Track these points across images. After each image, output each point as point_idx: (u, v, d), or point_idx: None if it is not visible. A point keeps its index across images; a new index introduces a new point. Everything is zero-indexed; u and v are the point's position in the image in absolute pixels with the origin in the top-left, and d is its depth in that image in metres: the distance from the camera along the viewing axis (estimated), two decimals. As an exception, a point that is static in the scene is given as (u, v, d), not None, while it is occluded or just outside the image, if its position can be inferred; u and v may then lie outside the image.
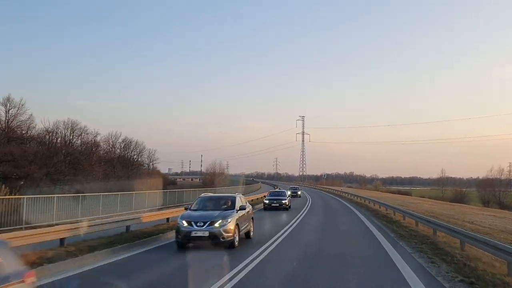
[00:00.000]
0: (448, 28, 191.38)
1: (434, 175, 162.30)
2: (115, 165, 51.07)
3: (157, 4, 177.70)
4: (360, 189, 78.58)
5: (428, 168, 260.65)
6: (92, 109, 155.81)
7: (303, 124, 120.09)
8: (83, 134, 46.11)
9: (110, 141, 54.42)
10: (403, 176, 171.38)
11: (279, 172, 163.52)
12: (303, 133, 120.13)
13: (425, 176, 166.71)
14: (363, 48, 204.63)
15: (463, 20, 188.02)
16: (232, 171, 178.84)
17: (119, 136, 55.98)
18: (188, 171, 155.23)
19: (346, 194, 50.13)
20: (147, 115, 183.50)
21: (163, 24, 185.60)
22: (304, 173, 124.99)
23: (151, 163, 64.40)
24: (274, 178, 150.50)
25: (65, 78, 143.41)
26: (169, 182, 67.93)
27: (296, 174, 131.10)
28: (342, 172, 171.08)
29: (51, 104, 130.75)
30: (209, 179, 79.08)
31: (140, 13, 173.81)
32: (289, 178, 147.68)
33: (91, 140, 47.67)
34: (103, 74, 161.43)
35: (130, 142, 58.37)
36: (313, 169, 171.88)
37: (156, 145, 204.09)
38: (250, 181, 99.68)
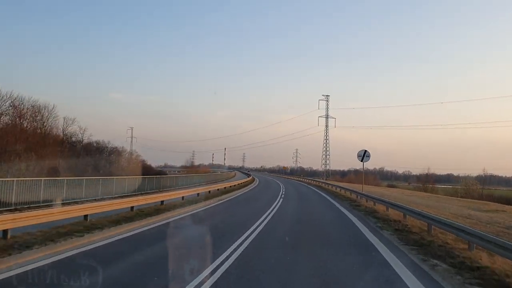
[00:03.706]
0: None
1: (475, 172, 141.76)
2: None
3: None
4: (439, 197, 40.48)
5: (465, 165, 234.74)
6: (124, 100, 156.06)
7: (327, 104, 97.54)
8: None
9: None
10: (438, 173, 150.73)
11: (301, 165, 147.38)
12: (327, 116, 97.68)
13: (462, 173, 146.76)
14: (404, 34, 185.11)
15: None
16: (250, 164, 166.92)
17: (8, 97, 37.96)
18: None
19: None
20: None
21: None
22: (328, 167, 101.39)
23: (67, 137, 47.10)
24: (296, 173, 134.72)
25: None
26: (155, 172, 54.57)
27: (321, 168, 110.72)
28: (371, 168, 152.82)
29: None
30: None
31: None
32: (313, 173, 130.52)
33: None
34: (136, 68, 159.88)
35: (31, 105, 41.13)
36: (338, 164, 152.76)
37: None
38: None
